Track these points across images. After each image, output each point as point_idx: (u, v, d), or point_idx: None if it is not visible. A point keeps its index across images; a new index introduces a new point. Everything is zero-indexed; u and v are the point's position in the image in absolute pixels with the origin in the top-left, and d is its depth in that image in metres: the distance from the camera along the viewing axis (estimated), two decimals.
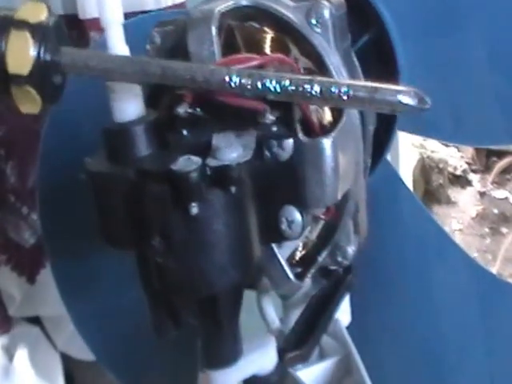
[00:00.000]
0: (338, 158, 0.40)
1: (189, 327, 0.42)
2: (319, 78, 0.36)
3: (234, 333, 0.39)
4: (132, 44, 0.42)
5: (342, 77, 0.45)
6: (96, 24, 1.00)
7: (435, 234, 0.59)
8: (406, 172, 1.39)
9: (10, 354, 1.05)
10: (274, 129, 0.38)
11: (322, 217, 0.43)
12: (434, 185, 1.81)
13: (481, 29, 0.54)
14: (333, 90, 0.35)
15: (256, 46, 0.46)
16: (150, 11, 1.03)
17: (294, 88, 0.35)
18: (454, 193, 1.88)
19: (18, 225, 1.06)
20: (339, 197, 0.41)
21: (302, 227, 0.39)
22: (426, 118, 0.56)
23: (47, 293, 1.04)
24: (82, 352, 1.05)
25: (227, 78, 0.36)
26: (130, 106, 0.38)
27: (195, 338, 0.43)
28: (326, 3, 0.45)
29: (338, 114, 0.44)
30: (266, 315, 0.46)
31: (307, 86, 0.35)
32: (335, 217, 0.45)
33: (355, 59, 0.48)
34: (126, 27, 0.62)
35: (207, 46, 0.43)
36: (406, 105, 0.36)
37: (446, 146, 1.90)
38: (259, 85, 0.35)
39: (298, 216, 0.39)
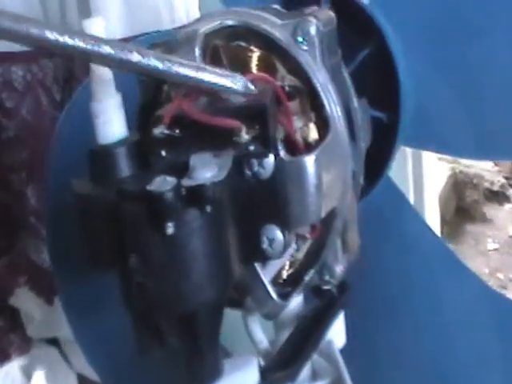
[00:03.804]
0: (321, 175, 0.42)
1: None
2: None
3: (213, 352, 0.40)
4: None
5: (329, 94, 0.46)
6: None
7: (440, 252, 0.59)
8: (433, 188, 1.38)
9: (28, 375, 1.09)
10: (252, 148, 0.39)
11: (307, 235, 0.45)
12: (467, 201, 1.79)
13: (495, 36, 0.55)
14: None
15: (242, 66, 0.48)
16: (166, 31, 1.07)
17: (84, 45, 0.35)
18: (490, 210, 1.86)
19: (38, 246, 1.09)
20: (323, 215, 0.42)
21: (284, 246, 0.41)
22: (433, 134, 0.58)
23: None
24: None
25: None
26: (112, 129, 0.41)
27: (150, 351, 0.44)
28: (313, 20, 0.46)
29: (324, 132, 0.46)
30: (252, 335, 0.47)
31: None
32: (322, 235, 0.46)
33: (346, 75, 0.50)
34: None
35: None
36: None
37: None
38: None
39: (279, 235, 0.41)
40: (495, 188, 1.88)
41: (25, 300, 1.09)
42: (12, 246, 1.10)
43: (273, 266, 0.44)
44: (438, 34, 0.57)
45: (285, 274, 0.46)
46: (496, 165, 1.93)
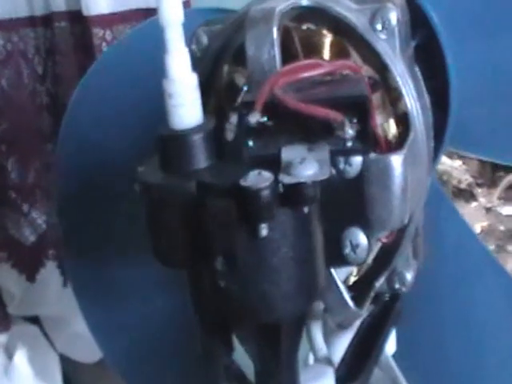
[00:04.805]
0: (407, 176, 0.38)
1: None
2: None
3: (292, 364, 0.36)
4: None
5: (409, 88, 0.42)
6: (99, 20, 0.99)
7: (478, 254, 0.57)
8: None
9: (8, 353, 1.06)
10: (349, 144, 0.35)
11: (384, 240, 0.41)
12: None
13: None
14: None
15: (314, 50, 0.43)
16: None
17: None
18: (458, 207, 1.86)
19: (19, 222, 1.06)
20: (406, 221, 0.39)
21: (368, 252, 0.37)
22: (481, 134, 0.55)
23: (47, 292, 1.05)
24: (82, 354, 1.05)
25: None
26: (189, 112, 0.36)
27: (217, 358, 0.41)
28: (393, 6, 0.42)
29: (404, 128, 0.42)
30: (313, 342, 0.43)
31: None
32: (395, 240, 0.42)
33: (417, 69, 0.46)
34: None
35: (267, 48, 0.40)
36: None
37: (451, 158, 1.88)
38: None
39: (363, 239, 0.37)
40: (463, 186, 1.88)
41: (6, 277, 1.05)
42: None
43: (343, 271, 0.41)
44: (489, 27, 0.54)
45: (351, 280, 0.43)
46: (464, 163, 1.94)
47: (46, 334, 1.08)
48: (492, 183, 2.00)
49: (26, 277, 1.05)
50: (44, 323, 1.09)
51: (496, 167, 1.97)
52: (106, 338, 0.62)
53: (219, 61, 0.45)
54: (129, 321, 0.61)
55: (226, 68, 0.44)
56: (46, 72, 1.07)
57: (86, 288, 0.61)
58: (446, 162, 1.93)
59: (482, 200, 2.00)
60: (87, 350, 0.97)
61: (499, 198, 1.96)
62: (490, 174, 1.99)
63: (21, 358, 1.03)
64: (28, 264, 1.05)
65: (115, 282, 0.60)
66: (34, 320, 1.09)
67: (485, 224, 1.92)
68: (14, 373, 1.03)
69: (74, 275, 0.63)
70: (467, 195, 2.00)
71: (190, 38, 0.46)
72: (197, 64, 0.45)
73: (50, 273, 1.03)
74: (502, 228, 1.87)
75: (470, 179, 2.00)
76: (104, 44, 0.97)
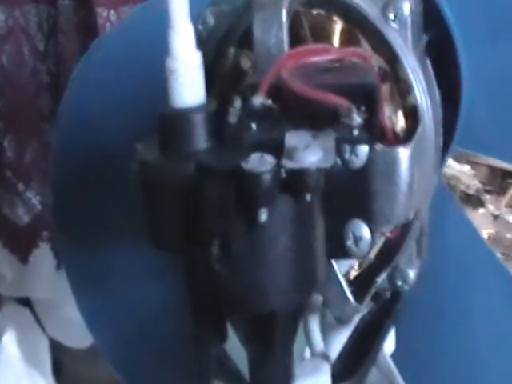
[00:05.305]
0: (414, 171, 0.38)
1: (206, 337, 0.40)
2: None
3: (287, 358, 0.36)
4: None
5: (419, 81, 0.42)
6: (104, 0, 0.99)
7: (483, 258, 0.57)
8: None
9: None
10: (356, 133, 0.35)
11: (388, 234, 0.41)
12: None
13: None
14: None
15: (323, 37, 0.44)
16: None
17: None
18: None
19: (13, 201, 1.06)
20: (411, 216, 0.39)
21: (370, 245, 0.37)
22: (492, 135, 0.55)
23: (40, 275, 1.05)
24: (73, 339, 1.05)
25: None
26: (191, 90, 0.36)
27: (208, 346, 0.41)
28: None
29: (412, 121, 0.42)
30: (310, 336, 0.43)
31: None
32: (399, 236, 0.42)
33: (429, 63, 0.46)
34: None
35: (275, 31, 0.40)
36: None
37: (459, 162, 1.88)
38: None
39: (366, 232, 0.37)
40: (470, 191, 1.88)
41: None
42: None
43: (344, 265, 0.41)
44: (504, 28, 0.54)
45: (352, 274, 0.43)
46: (472, 168, 1.94)
47: (36, 317, 1.09)
48: (501, 190, 2.01)
49: (18, 258, 1.06)
50: (35, 306, 1.09)
51: (506, 174, 1.98)
52: (99, 326, 0.62)
53: (225, 43, 0.45)
54: (124, 310, 0.61)
55: (231, 50, 0.44)
56: (48, 50, 1.07)
57: (80, 275, 0.61)
58: (454, 167, 1.94)
59: (490, 207, 2.00)
60: (78, 335, 0.98)
61: (507, 206, 1.97)
62: (499, 181, 2.00)
63: (9, 339, 1.04)
64: (21, 245, 1.05)
65: (111, 268, 0.60)
66: (26, 302, 1.10)
67: (492, 231, 1.92)
68: (2, 354, 1.03)
69: (67, 261, 0.63)
70: (475, 201, 2.01)
71: (197, 18, 0.46)
72: (202, 45, 0.45)
73: (44, 255, 1.03)
74: (509, 236, 1.87)
75: (479, 185, 2.01)
76: (108, 24, 0.97)
